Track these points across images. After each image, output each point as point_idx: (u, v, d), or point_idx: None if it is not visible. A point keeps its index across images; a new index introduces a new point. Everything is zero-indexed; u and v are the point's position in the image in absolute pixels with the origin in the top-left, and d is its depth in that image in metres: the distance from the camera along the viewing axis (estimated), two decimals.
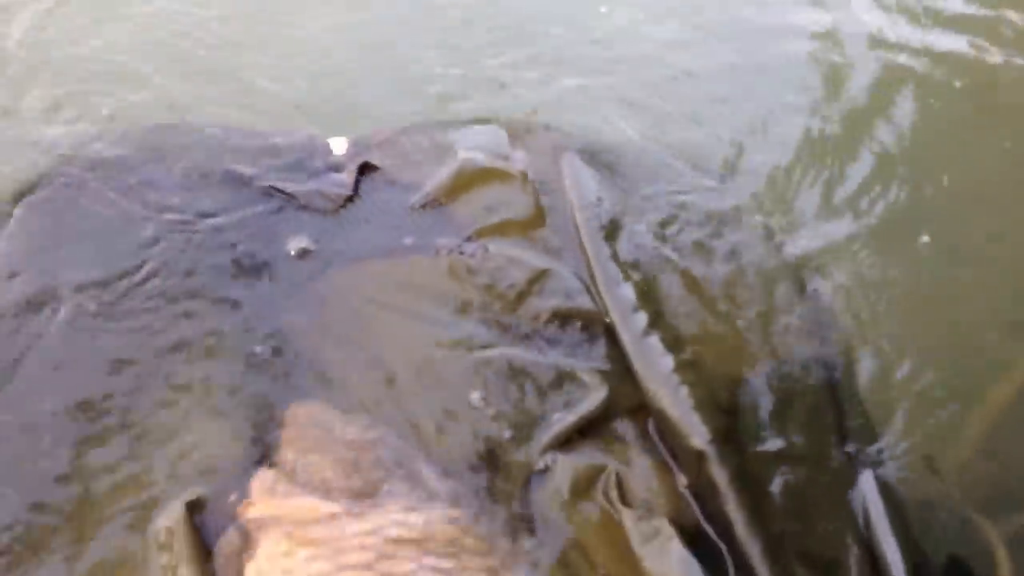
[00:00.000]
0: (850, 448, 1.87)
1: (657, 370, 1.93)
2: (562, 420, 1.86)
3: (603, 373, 1.97)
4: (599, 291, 2.14)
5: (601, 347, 2.05)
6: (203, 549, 1.57)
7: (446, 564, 1.55)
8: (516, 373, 1.95)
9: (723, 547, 1.69)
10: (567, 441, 1.83)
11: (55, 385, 1.83)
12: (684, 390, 1.88)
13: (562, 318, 2.09)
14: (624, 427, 1.90)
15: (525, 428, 1.85)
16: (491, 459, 1.79)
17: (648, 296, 2.12)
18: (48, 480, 1.66)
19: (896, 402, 1.97)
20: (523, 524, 1.69)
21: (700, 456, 1.78)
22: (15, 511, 1.61)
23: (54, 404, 1.79)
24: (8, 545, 1.56)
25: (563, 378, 1.96)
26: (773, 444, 1.86)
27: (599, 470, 1.76)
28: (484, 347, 1.99)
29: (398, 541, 1.57)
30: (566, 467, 1.77)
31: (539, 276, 2.17)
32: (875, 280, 2.24)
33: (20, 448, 1.71)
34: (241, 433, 1.77)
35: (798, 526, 1.73)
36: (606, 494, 1.73)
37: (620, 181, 2.46)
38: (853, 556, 1.69)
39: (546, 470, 1.77)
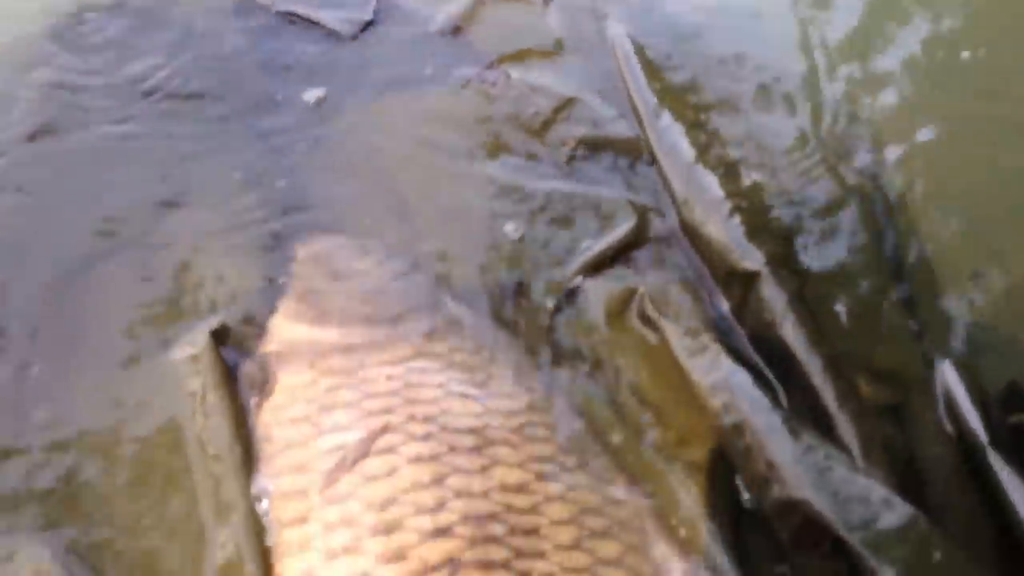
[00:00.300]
0: (907, 271, 1.78)
1: (707, 196, 1.85)
2: (591, 248, 1.80)
3: (632, 202, 1.89)
4: (640, 120, 2.05)
5: (630, 176, 1.97)
6: (229, 376, 1.54)
7: (473, 391, 1.50)
8: (543, 203, 1.88)
9: (771, 374, 1.61)
10: (597, 268, 1.76)
11: (59, 214, 1.80)
12: (736, 217, 1.80)
13: (589, 147, 2.01)
14: (656, 255, 1.82)
15: (552, 257, 1.79)
16: (517, 288, 1.73)
17: (696, 127, 2.02)
18: (65, 318, 1.63)
19: (948, 223, 1.87)
20: (553, 350, 1.64)
21: (751, 279, 1.71)
22: (34, 345, 1.58)
23: (61, 231, 1.76)
24: (29, 379, 1.54)
25: (591, 207, 1.88)
26: (831, 269, 1.78)
27: (632, 292, 1.70)
28: (508, 176, 1.92)
29: (423, 370, 1.52)
30: (597, 289, 1.71)
31: (565, 104, 2.09)
32: (920, 107, 2.11)
33: (33, 276, 1.69)
34: (258, 267, 1.71)
35: (863, 345, 1.65)
36: (642, 314, 1.67)
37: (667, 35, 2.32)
38: (920, 372, 1.62)
39: (576, 293, 1.71)
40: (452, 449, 1.37)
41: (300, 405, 1.47)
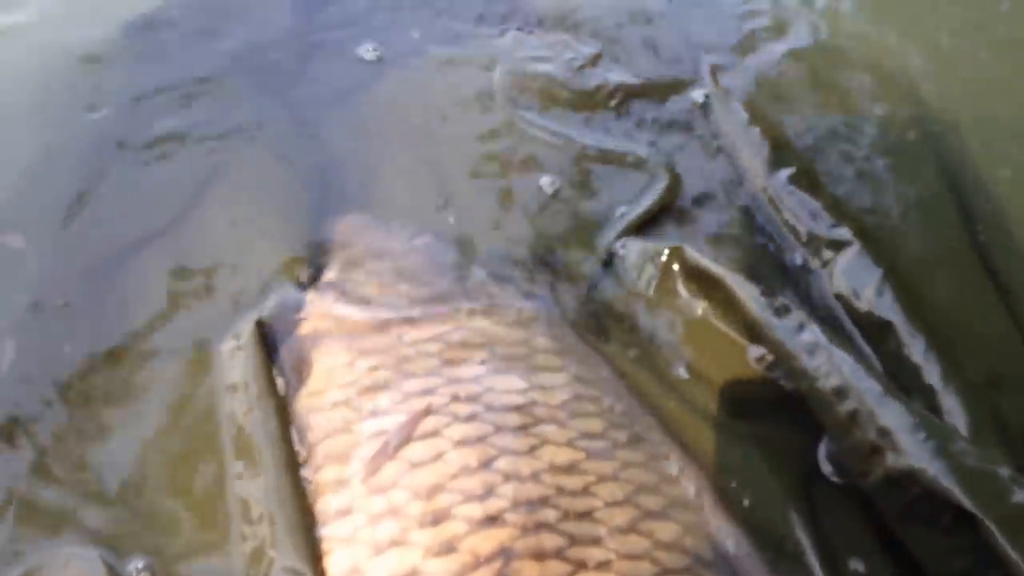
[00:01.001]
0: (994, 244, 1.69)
1: (780, 172, 1.79)
2: (630, 209, 1.74)
3: (669, 163, 1.84)
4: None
5: (672, 129, 1.92)
6: (271, 368, 1.48)
7: (517, 365, 1.44)
8: (579, 156, 1.83)
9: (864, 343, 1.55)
10: (638, 229, 1.70)
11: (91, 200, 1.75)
12: (819, 193, 1.76)
13: (630, 96, 1.96)
14: (700, 217, 1.77)
15: (591, 216, 1.73)
16: (555, 254, 1.67)
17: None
18: (101, 308, 1.58)
19: None
20: (595, 317, 1.57)
21: (838, 248, 1.65)
22: (70, 336, 1.54)
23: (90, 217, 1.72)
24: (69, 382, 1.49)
25: (630, 162, 1.83)
26: (920, 245, 1.69)
27: (678, 251, 1.62)
28: (544, 127, 1.88)
29: (463, 345, 1.46)
30: (640, 251, 1.64)
31: (605, 52, 2.06)
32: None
33: (70, 263, 1.65)
34: (290, 248, 1.67)
35: (958, 320, 1.56)
36: (694, 272, 1.60)
37: None
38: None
39: (617, 255, 1.65)
40: (498, 429, 1.32)
41: (338, 389, 1.42)
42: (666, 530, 1.27)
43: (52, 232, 1.68)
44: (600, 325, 1.57)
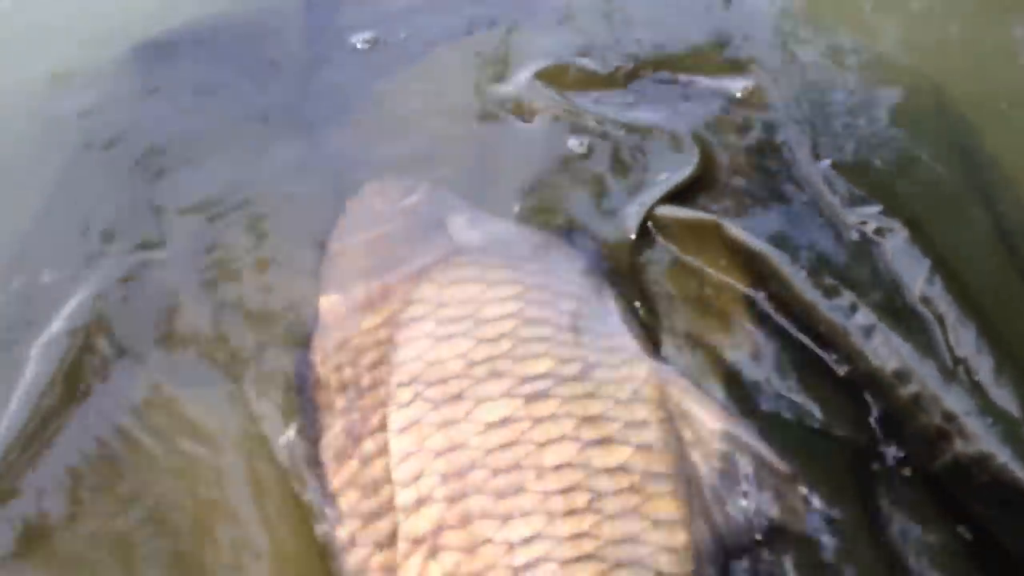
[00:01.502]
0: None
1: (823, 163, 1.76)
2: (662, 181, 1.75)
3: (697, 134, 1.84)
4: None
5: (692, 102, 1.94)
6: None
7: (461, 327, 1.45)
8: (607, 129, 1.87)
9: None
10: (673, 199, 1.72)
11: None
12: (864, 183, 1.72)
13: (652, 68, 2.01)
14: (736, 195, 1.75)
15: (616, 190, 1.77)
16: (584, 215, 1.73)
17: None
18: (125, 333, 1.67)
19: None
20: (631, 284, 1.61)
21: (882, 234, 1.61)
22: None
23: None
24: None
25: (653, 135, 1.85)
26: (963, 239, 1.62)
27: (710, 224, 1.62)
28: (567, 100, 1.93)
29: (409, 322, 1.48)
30: (679, 221, 1.65)
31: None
32: None
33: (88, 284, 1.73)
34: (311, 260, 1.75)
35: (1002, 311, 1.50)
36: (733, 244, 1.59)
37: None
38: None
39: (654, 225, 1.67)
40: (435, 406, 1.36)
41: (323, 393, 1.48)
42: (609, 455, 1.27)
43: (76, 265, 1.77)
44: (632, 290, 1.59)
